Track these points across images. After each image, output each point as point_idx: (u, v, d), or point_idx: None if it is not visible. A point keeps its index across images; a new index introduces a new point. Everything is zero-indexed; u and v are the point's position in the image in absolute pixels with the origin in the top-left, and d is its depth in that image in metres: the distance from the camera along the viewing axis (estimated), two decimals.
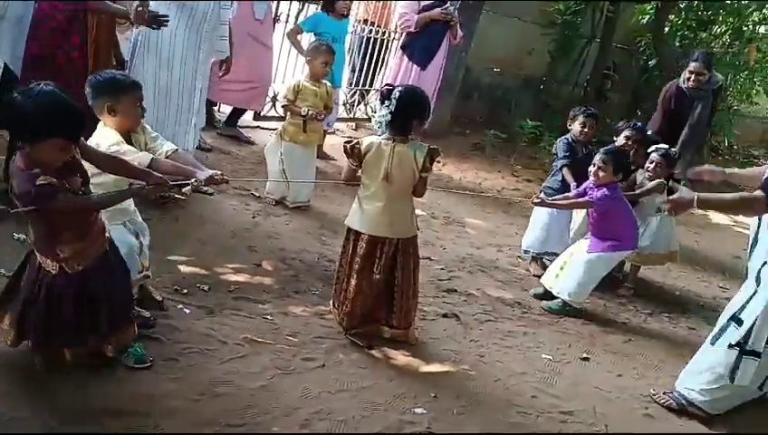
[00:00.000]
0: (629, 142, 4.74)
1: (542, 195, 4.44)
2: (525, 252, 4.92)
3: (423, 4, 6.41)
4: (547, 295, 4.37)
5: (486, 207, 6.14)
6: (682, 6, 9.41)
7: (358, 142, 3.27)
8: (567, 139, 4.82)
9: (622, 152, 4.35)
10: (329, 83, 5.10)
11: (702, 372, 3.38)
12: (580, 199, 4.28)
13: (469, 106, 8.54)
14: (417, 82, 6.36)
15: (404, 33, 6.72)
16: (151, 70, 4.23)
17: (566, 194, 4.45)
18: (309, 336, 3.37)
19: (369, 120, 7.53)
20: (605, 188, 4.14)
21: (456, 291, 4.27)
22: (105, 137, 2.85)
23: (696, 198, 3.21)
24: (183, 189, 2.79)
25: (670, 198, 3.47)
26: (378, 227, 3.32)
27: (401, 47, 6.69)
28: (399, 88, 3.28)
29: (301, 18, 6.50)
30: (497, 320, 4.04)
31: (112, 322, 2.68)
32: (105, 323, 2.65)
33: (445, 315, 3.92)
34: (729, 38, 9.62)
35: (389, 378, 3.17)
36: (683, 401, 3.43)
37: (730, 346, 3.25)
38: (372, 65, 7.53)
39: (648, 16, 9.30)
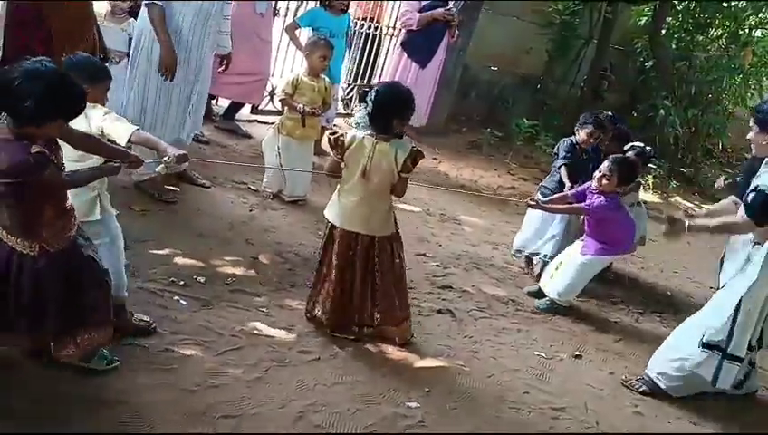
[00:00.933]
0: (593, 137, 4.74)
1: (538, 195, 4.46)
2: (518, 251, 4.95)
3: (424, 3, 6.43)
4: (540, 294, 4.41)
5: (482, 204, 6.17)
6: (679, 9, 9.44)
7: (342, 135, 3.24)
8: (571, 140, 4.84)
9: (631, 164, 4.38)
10: (327, 79, 5.12)
11: (673, 360, 3.54)
12: (576, 206, 4.27)
13: (467, 104, 8.56)
14: (417, 80, 6.40)
15: (404, 31, 6.73)
16: (155, 62, 4.23)
17: (562, 194, 4.45)
18: (304, 329, 3.40)
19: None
20: (603, 198, 4.12)
21: (450, 287, 4.30)
22: (94, 111, 2.78)
23: (686, 225, 3.45)
24: (156, 169, 2.79)
25: (663, 231, 3.58)
26: (351, 221, 3.28)
27: (401, 44, 6.71)
28: (377, 87, 3.24)
29: (299, 13, 6.50)
30: (491, 317, 4.08)
31: (94, 313, 2.59)
32: (88, 312, 2.58)
33: (439, 311, 3.96)
34: (725, 41, 9.65)
35: (384, 372, 3.21)
36: (655, 386, 3.59)
37: (708, 347, 3.41)
38: (369, 61, 7.54)
39: (645, 18, 9.33)
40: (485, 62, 8.57)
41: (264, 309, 3.50)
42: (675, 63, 9.32)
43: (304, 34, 6.01)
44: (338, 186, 3.36)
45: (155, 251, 3.76)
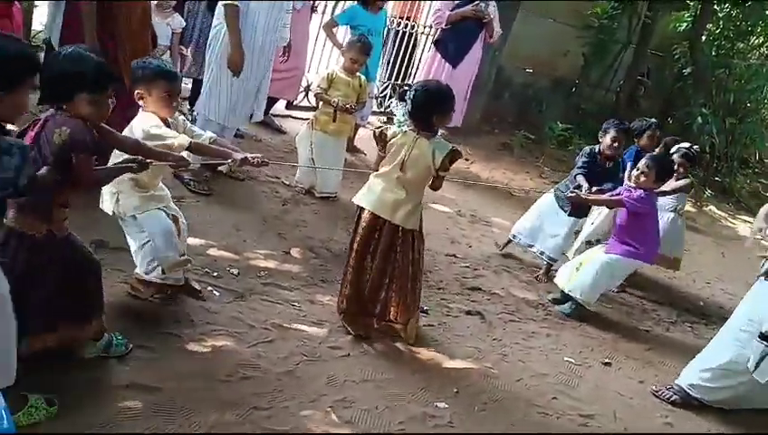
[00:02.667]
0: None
1: (556, 193, 4.65)
2: (514, 236, 4.91)
3: (457, 1, 6.40)
4: (564, 299, 4.36)
5: (513, 207, 6.14)
6: (720, 15, 9.30)
7: (386, 129, 3.36)
8: (593, 150, 4.73)
9: (668, 162, 4.33)
10: (363, 76, 5.13)
11: (704, 371, 3.49)
12: (616, 197, 4.21)
13: (500, 105, 8.52)
14: (449, 79, 6.35)
15: (438, 30, 6.72)
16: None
17: (599, 188, 4.36)
18: (335, 325, 3.42)
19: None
20: (642, 191, 4.11)
21: (480, 289, 4.29)
22: (144, 119, 2.94)
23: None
24: (219, 168, 2.88)
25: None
26: (380, 207, 3.32)
27: (434, 43, 6.70)
28: (416, 85, 3.32)
29: (337, 11, 6.53)
30: (521, 320, 4.06)
31: (90, 307, 2.62)
32: (88, 305, 2.59)
33: (469, 313, 3.95)
34: (766, 49, 9.50)
35: (413, 371, 3.21)
36: (684, 395, 3.54)
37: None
38: (404, 60, 7.55)
39: (685, 24, 9.21)
40: (520, 63, 8.52)
41: (296, 303, 3.52)
42: (714, 71, 9.17)
43: (341, 32, 6.03)
44: (373, 174, 3.42)
45: (189, 241, 3.80)
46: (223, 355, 2.94)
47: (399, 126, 3.38)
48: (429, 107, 3.23)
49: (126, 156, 2.69)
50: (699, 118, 8.82)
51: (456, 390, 3.15)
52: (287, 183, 5.08)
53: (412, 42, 7.55)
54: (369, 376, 3.08)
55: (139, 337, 2.85)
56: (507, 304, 4.22)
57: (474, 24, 6.45)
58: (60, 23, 3.91)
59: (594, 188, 4.33)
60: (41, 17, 5.34)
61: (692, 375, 3.57)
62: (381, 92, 7.59)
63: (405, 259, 3.37)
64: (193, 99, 5.31)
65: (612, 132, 4.64)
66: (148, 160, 2.65)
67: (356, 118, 5.47)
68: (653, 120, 5.25)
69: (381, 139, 3.31)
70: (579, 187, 4.44)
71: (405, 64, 7.59)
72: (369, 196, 3.36)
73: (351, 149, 6.04)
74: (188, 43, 5.42)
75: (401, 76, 7.64)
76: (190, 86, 5.60)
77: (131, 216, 3.01)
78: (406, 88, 3.34)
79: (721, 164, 9.36)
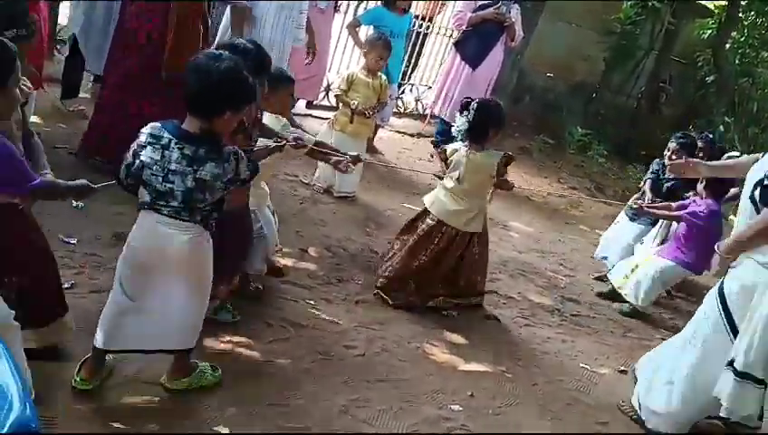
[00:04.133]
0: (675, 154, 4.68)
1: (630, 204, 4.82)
2: (604, 258, 5.04)
3: (480, 3, 6.38)
4: (611, 296, 4.51)
5: (531, 211, 6.13)
6: (745, 24, 9.20)
7: (445, 149, 3.84)
8: (660, 162, 4.91)
9: (692, 138, 4.64)
10: (384, 76, 5.14)
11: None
12: (675, 212, 4.39)
13: (520, 109, 8.49)
14: (468, 81, 6.35)
15: (459, 32, 6.71)
16: None
17: (666, 204, 4.56)
18: (350, 325, 3.43)
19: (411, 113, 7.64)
20: (712, 201, 4.21)
21: (496, 293, 4.28)
22: (275, 121, 3.22)
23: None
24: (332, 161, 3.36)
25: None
26: (446, 215, 3.70)
27: (454, 45, 6.69)
28: (477, 101, 3.64)
29: (360, 11, 6.55)
30: (536, 325, 4.04)
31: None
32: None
33: (486, 317, 3.94)
34: None
35: (428, 372, 3.21)
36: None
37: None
38: (416, 59, 7.59)
39: (709, 31, 9.12)
40: (542, 67, 8.49)
41: (312, 302, 3.54)
42: (737, 79, 9.08)
43: (364, 32, 6.05)
44: (441, 182, 3.85)
45: None
46: (238, 353, 2.95)
47: (457, 134, 3.69)
48: (487, 124, 3.60)
49: None
50: (721, 126, 8.72)
51: (470, 393, 3.14)
52: (306, 182, 5.10)
53: (427, 41, 7.58)
54: (384, 376, 3.08)
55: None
56: (523, 308, 4.20)
57: (495, 27, 6.42)
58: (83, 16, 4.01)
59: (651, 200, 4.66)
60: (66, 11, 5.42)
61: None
62: (400, 93, 7.59)
63: (468, 257, 3.77)
64: None
65: (672, 145, 4.75)
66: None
67: (376, 119, 5.47)
68: (709, 135, 5.27)
69: (442, 158, 3.83)
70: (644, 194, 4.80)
71: (412, 64, 7.61)
72: (435, 201, 3.77)
73: (371, 149, 6.05)
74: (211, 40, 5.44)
75: (419, 75, 7.66)
76: None
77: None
78: (468, 100, 3.67)
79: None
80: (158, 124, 2.32)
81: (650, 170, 5.00)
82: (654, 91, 9.32)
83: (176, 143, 2.26)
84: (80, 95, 5.06)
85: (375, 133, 6.05)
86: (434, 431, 2.82)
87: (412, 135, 7.22)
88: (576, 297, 4.59)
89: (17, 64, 2.15)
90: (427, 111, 7.40)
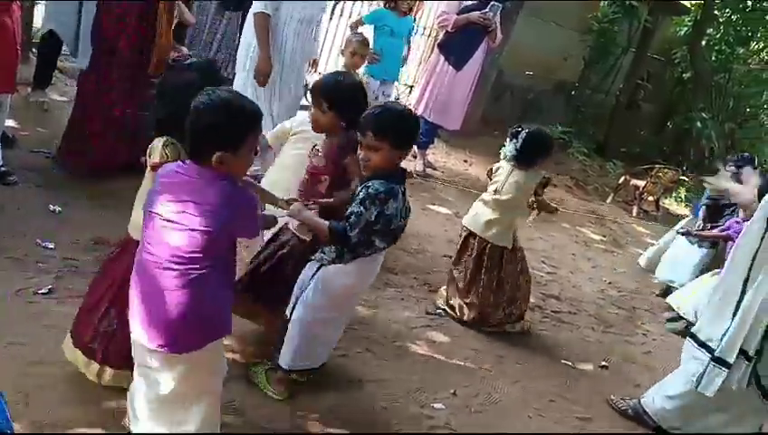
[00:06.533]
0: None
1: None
2: (671, 281, 5.12)
3: (464, 4, 6.38)
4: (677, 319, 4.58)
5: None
6: (721, 21, 9.32)
7: (491, 169, 3.96)
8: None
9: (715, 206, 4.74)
10: (365, 76, 5.13)
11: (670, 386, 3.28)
12: (724, 233, 4.58)
13: (499, 107, 8.52)
14: (452, 82, 6.35)
15: (442, 32, 6.71)
16: (277, 65, 4.34)
17: (719, 232, 4.72)
18: None
19: None
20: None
21: None
22: None
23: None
24: None
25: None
26: (475, 224, 3.86)
27: (438, 46, 6.69)
28: (527, 130, 3.74)
29: (361, 13, 6.61)
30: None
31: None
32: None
33: None
34: (767, 55, 9.52)
35: (410, 372, 3.22)
36: (639, 410, 3.35)
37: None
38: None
39: (685, 28, 9.23)
40: (521, 66, 8.52)
41: None
42: (714, 76, 9.20)
43: (368, 32, 6.07)
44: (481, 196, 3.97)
45: None
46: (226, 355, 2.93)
47: (504, 157, 3.82)
48: (536, 153, 3.74)
49: None
50: (699, 123, 8.84)
51: (453, 391, 3.15)
52: None
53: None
54: (367, 377, 3.08)
55: None
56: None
57: (478, 29, 6.43)
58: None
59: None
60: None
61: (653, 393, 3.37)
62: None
63: (507, 270, 3.84)
64: None
65: (730, 169, 4.87)
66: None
67: None
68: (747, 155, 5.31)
69: (489, 173, 3.96)
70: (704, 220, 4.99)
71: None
72: (470, 215, 3.93)
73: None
74: (200, 42, 5.41)
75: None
76: None
77: None
78: (518, 128, 3.78)
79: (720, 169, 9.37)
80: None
81: (705, 196, 5.13)
82: (632, 88, 9.41)
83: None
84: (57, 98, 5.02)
85: None
86: (416, 430, 2.83)
87: None
88: (557, 294, 4.62)
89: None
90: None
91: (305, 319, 2.65)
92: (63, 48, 4.75)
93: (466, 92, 6.48)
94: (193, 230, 1.95)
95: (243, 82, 4.41)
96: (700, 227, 4.96)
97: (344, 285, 2.64)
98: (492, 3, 6.15)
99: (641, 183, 7.51)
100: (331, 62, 6.92)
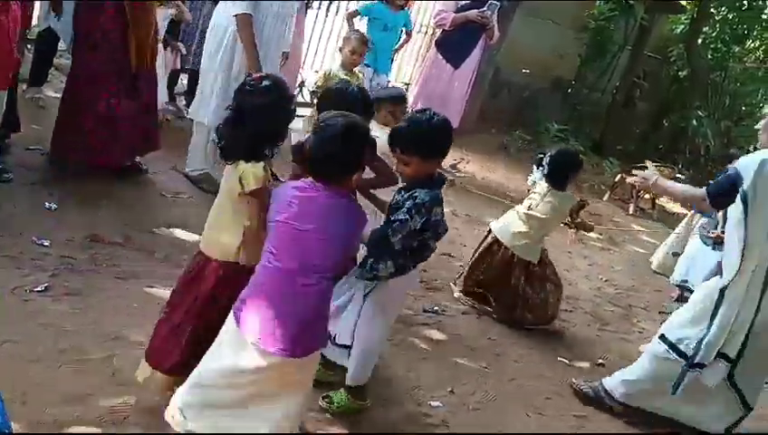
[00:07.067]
0: None
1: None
2: (684, 281, 5.01)
3: (461, 3, 6.38)
4: None
5: (506, 208, 6.13)
6: (717, 19, 9.33)
7: (531, 179, 4.10)
8: None
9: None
10: (361, 74, 5.12)
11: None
12: None
13: (496, 105, 8.53)
14: (450, 80, 6.35)
15: (438, 31, 6.71)
16: (239, 56, 4.24)
17: None
18: None
19: None
20: None
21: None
22: None
23: (656, 179, 3.30)
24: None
25: (642, 173, 3.48)
26: (504, 233, 3.97)
27: (435, 44, 6.68)
28: (551, 153, 3.90)
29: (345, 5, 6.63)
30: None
31: None
32: None
33: (464, 313, 3.95)
34: (762, 53, 9.55)
35: (407, 369, 3.21)
36: (601, 392, 3.34)
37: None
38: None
39: (682, 26, 9.24)
40: (518, 64, 8.52)
41: None
42: (710, 74, 9.21)
43: (363, 24, 6.08)
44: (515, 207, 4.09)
45: (184, 238, 3.80)
46: None
47: (533, 185, 4.01)
48: (566, 171, 3.86)
49: None
50: (695, 121, 8.86)
51: (450, 389, 3.15)
52: (284, 181, 5.05)
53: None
54: None
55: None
56: None
57: (475, 27, 6.43)
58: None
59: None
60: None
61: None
62: None
63: (531, 278, 3.94)
64: (189, 93, 5.30)
65: None
66: None
67: None
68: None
69: (528, 188, 4.12)
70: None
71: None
72: (502, 225, 4.01)
73: None
74: (192, 36, 5.39)
75: (394, 73, 7.63)
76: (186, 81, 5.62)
77: None
78: (542, 154, 3.96)
79: (716, 166, 9.40)
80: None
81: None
82: (628, 86, 9.42)
83: None
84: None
85: None
86: (414, 428, 2.82)
87: None
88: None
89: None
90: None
91: (373, 340, 2.70)
92: (60, 45, 4.75)
93: (464, 90, 6.48)
94: (328, 242, 2.14)
95: (211, 71, 4.30)
96: (714, 226, 4.77)
97: (401, 295, 2.76)
98: (490, 1, 6.16)
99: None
100: (327, 59, 6.90)
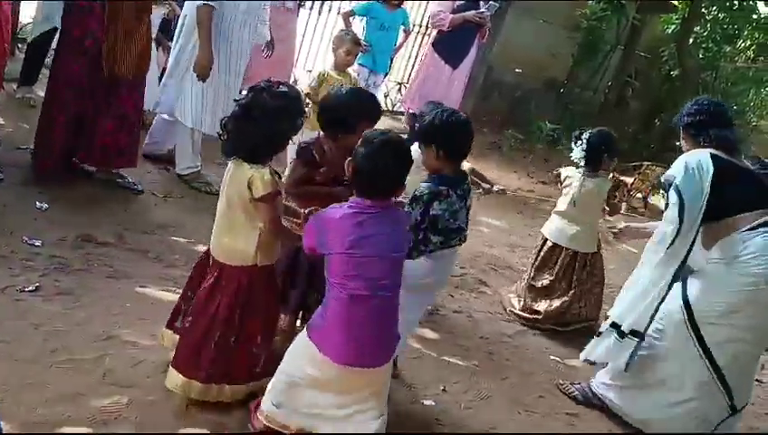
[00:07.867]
0: None
1: None
2: None
3: (457, 3, 6.38)
4: None
5: (501, 206, 6.17)
6: (708, 19, 9.36)
7: (560, 173, 4.18)
8: None
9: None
10: (354, 75, 5.12)
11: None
12: None
13: (489, 104, 8.54)
14: (449, 80, 6.35)
15: (434, 31, 6.70)
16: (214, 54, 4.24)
17: None
18: None
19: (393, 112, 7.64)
20: None
21: (467, 288, 4.30)
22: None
23: (625, 226, 3.77)
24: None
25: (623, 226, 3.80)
26: (561, 237, 4.03)
27: (432, 44, 6.67)
28: (590, 131, 3.97)
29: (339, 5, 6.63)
30: (507, 319, 4.07)
31: None
32: None
33: (456, 311, 3.96)
34: (753, 53, 9.58)
35: (400, 368, 3.21)
36: (588, 393, 3.37)
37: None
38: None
39: (673, 26, 9.27)
40: (510, 63, 8.54)
41: None
42: (701, 73, 9.24)
43: (358, 24, 6.09)
44: (555, 208, 4.14)
45: (176, 238, 3.80)
46: None
47: (576, 159, 3.99)
48: (602, 151, 3.91)
49: None
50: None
51: (442, 387, 3.16)
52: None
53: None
54: None
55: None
56: (493, 302, 4.23)
57: (471, 26, 6.44)
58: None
59: None
60: (28, 11, 5.32)
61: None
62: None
63: (593, 276, 4.06)
64: None
65: None
66: None
67: None
68: None
69: (558, 181, 4.20)
70: None
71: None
72: (552, 228, 4.09)
73: None
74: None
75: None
76: None
77: None
78: (581, 130, 4.01)
79: None
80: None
81: None
82: (620, 85, 9.45)
83: None
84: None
85: None
86: (407, 426, 2.82)
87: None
88: None
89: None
90: (399, 108, 7.41)
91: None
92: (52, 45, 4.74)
93: (461, 89, 6.49)
94: (391, 260, 2.28)
95: (185, 68, 4.32)
96: None
97: (413, 277, 2.72)
98: (489, 2, 6.17)
99: (629, 180, 7.54)
100: (319, 58, 6.91)
